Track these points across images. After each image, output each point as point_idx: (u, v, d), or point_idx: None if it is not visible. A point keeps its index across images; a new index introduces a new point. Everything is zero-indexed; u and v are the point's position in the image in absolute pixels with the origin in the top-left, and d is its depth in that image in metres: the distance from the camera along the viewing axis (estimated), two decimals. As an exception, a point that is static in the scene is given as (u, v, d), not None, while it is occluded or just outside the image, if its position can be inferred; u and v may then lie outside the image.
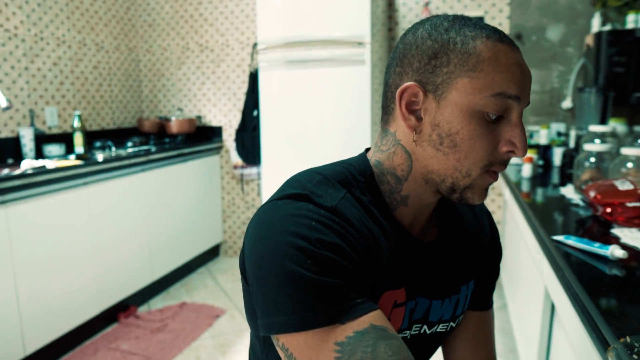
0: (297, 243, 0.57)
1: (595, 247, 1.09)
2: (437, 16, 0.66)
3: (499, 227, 3.04)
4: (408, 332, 0.73)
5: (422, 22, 0.65)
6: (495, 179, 0.65)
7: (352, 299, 0.57)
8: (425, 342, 0.78)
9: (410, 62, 0.63)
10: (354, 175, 0.67)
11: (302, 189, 0.63)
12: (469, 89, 0.60)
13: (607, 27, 2.40)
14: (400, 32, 3.13)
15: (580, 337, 0.85)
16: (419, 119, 0.64)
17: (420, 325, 0.74)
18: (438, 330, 0.77)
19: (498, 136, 0.62)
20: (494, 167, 0.63)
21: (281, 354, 0.59)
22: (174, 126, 3.38)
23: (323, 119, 2.73)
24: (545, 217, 1.62)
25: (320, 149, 2.75)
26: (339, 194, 0.64)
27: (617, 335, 0.73)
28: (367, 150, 0.74)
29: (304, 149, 2.79)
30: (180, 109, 3.63)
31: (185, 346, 2.40)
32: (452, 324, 0.79)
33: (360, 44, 2.61)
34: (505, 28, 2.92)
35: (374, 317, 0.57)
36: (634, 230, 1.28)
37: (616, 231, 1.28)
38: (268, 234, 0.59)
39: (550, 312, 1.48)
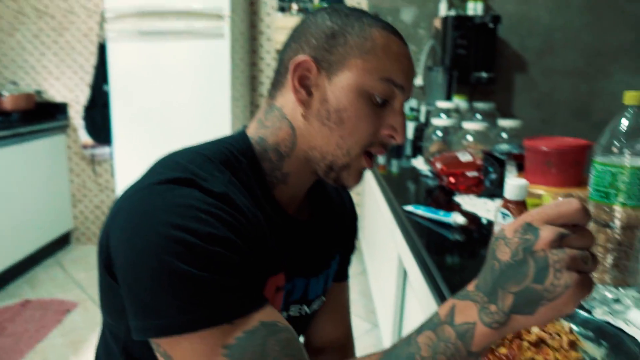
0: (184, 238, 0.51)
1: (440, 216, 1.17)
2: (338, 4, 0.67)
3: (358, 198, 3.19)
4: (285, 313, 0.72)
5: (323, 8, 0.67)
6: (370, 165, 0.66)
7: (241, 297, 0.53)
8: (304, 322, 0.78)
9: (308, 39, 0.64)
10: (235, 156, 0.64)
11: (184, 172, 0.57)
12: (361, 70, 0.62)
13: (452, 12, 2.60)
14: (263, 6, 3.06)
15: (427, 299, 0.91)
16: (310, 94, 0.64)
17: (299, 306, 0.74)
18: (315, 308, 0.79)
19: (381, 120, 0.64)
20: (374, 147, 0.65)
21: None
22: (8, 102, 2.93)
23: (180, 95, 2.58)
24: (398, 188, 1.72)
25: (177, 126, 2.61)
26: (225, 177, 0.59)
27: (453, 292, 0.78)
28: (245, 128, 0.70)
29: (159, 126, 2.62)
30: (14, 82, 3.16)
31: (28, 349, 2.13)
32: (323, 298, 0.80)
33: (219, 16, 2.49)
34: (364, 8, 3.01)
35: (263, 313, 0.54)
36: (472, 197, 1.40)
37: (458, 198, 1.39)
38: (147, 226, 0.52)
39: (403, 276, 1.58)
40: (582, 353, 0.63)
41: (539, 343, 0.63)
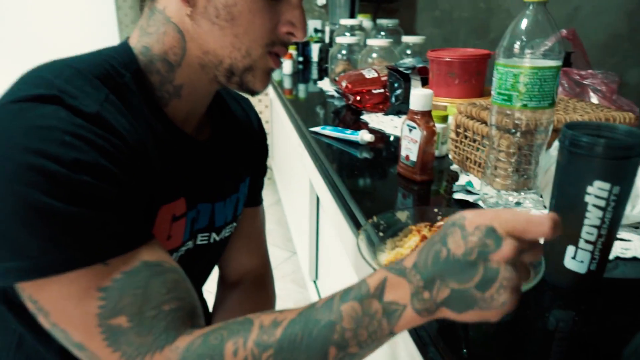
0: (45, 166, 0.43)
1: (348, 134, 1.13)
2: None
3: (267, 126, 3.10)
4: (191, 242, 0.66)
5: None
6: (278, 65, 0.60)
7: (118, 233, 0.47)
8: (214, 250, 0.73)
9: None
10: (117, 70, 0.55)
11: (48, 88, 0.47)
12: None
13: None
14: None
15: (340, 223, 0.88)
16: None
17: (207, 234, 0.68)
18: (226, 235, 0.73)
19: (278, 15, 0.58)
20: (276, 47, 0.59)
21: (30, 307, 0.46)
22: None
23: (57, 7, 2.26)
24: (305, 111, 1.66)
25: (54, 41, 2.30)
26: (100, 94, 0.51)
27: (366, 217, 0.76)
28: (128, 38, 0.60)
29: (35, 41, 2.30)
30: None
31: None
32: (234, 224, 0.75)
33: None
34: None
35: (146, 252, 0.48)
36: (379, 114, 1.38)
37: (365, 117, 1.36)
38: (0, 152, 0.44)
39: (316, 201, 1.56)
40: None
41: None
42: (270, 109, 2.91)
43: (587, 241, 0.53)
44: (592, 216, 0.51)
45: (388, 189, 0.92)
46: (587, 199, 0.51)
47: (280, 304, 1.98)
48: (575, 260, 0.54)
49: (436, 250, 0.39)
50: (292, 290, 2.06)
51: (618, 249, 0.65)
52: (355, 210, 0.81)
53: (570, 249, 0.54)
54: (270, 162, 3.15)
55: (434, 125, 0.85)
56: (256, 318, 0.44)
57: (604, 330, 0.50)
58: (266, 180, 3.14)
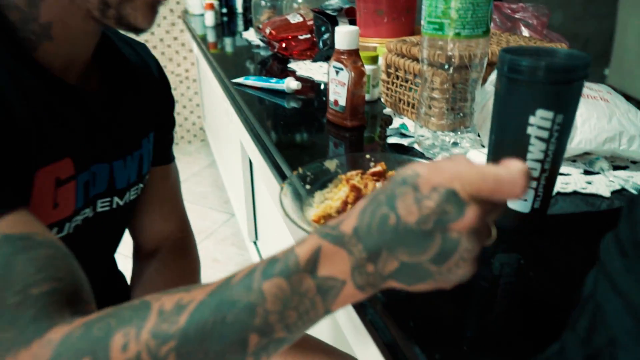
0: None
1: (272, 83, 1.04)
2: None
3: (194, 85, 2.92)
4: (90, 210, 0.56)
5: None
6: None
7: None
8: (120, 217, 0.64)
9: None
10: None
11: None
12: None
13: None
14: None
15: (269, 178, 0.80)
16: None
17: (108, 199, 0.60)
18: (131, 198, 0.64)
19: None
20: None
21: None
22: None
23: None
24: (230, 64, 1.54)
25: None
26: None
27: (292, 169, 0.68)
28: None
29: None
30: None
31: None
32: (141, 185, 0.66)
33: None
34: None
35: (7, 223, 0.39)
36: (307, 62, 1.28)
37: (293, 65, 1.26)
38: None
39: (249, 159, 1.47)
40: None
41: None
42: (197, 66, 2.73)
43: (530, 178, 0.48)
44: (535, 149, 0.46)
45: (318, 139, 0.84)
46: (530, 130, 0.46)
47: (221, 268, 1.92)
48: (519, 199, 0.50)
49: (382, 215, 0.32)
50: (232, 253, 1.99)
51: (558, 184, 0.62)
52: (282, 163, 0.73)
53: (512, 188, 0.50)
54: (202, 123, 3.00)
55: (362, 66, 0.78)
56: (155, 301, 0.35)
57: (552, 273, 0.46)
58: (199, 142, 3.02)
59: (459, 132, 0.72)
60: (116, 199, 0.60)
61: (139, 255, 0.75)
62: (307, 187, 0.61)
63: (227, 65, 1.44)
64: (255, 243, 1.80)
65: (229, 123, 1.48)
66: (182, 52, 2.84)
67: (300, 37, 1.28)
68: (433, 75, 0.69)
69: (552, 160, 0.47)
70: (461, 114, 0.72)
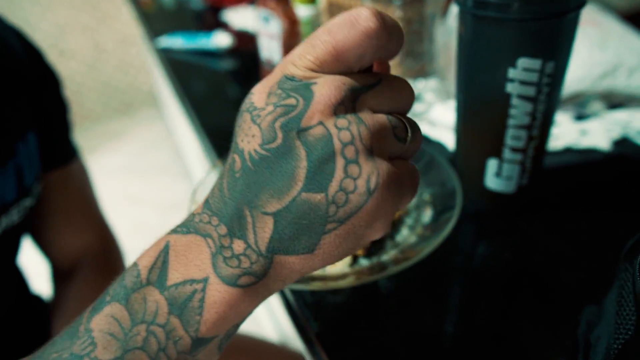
0: None
1: (198, 42, 0.87)
2: None
3: (139, 43, 2.67)
4: None
5: None
6: None
7: None
8: (14, 238, 0.51)
9: None
10: None
11: None
12: None
13: None
14: None
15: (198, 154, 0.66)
16: None
17: None
18: (17, 221, 0.49)
19: None
20: None
21: None
22: None
23: None
24: (160, 22, 1.35)
25: None
26: None
27: (219, 154, 0.55)
28: None
29: None
30: None
31: None
32: (30, 200, 0.51)
33: None
34: None
35: None
36: (245, 8, 1.11)
37: (227, 15, 1.09)
38: None
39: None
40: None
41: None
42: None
43: (514, 149, 0.36)
44: (519, 113, 0.34)
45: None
46: (510, 88, 0.33)
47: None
48: (501, 178, 0.38)
49: (229, 164, 0.22)
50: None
51: (546, 139, 0.50)
52: (206, 149, 0.59)
53: (492, 164, 0.37)
54: (152, 86, 2.78)
55: (293, 12, 0.63)
56: None
57: (546, 266, 0.35)
58: (151, 109, 2.75)
59: (421, 81, 0.59)
60: None
61: (55, 277, 0.62)
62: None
63: (156, 23, 1.25)
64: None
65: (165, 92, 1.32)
66: (120, 6, 2.57)
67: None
68: (386, 11, 0.55)
69: (541, 125, 0.34)
70: (420, 59, 0.58)
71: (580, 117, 0.53)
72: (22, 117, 0.51)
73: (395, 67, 0.59)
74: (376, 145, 0.20)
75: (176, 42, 0.91)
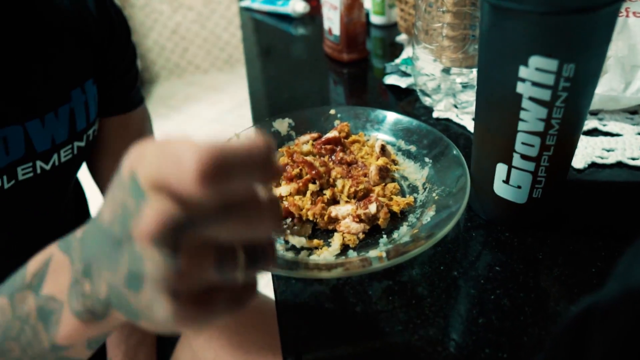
0: None
1: (278, 6, 0.88)
2: None
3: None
4: (5, 178, 0.49)
5: None
6: None
7: None
8: (49, 182, 0.55)
9: None
10: None
11: None
12: None
13: None
14: None
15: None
16: None
17: (30, 164, 0.51)
18: (64, 159, 0.54)
19: None
20: None
21: None
22: None
23: None
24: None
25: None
26: None
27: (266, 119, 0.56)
28: None
29: None
30: None
31: None
32: (78, 143, 0.55)
33: None
34: None
35: None
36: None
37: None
38: None
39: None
40: (399, 179, 0.44)
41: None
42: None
43: (524, 157, 0.32)
44: (531, 117, 0.30)
45: (312, 77, 0.69)
46: (520, 88, 0.29)
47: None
48: (509, 185, 0.34)
49: (99, 214, 0.22)
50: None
51: (597, 150, 0.44)
52: (252, 114, 0.60)
53: (500, 169, 0.34)
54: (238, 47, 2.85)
55: (357, -17, 0.61)
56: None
57: (545, 293, 0.32)
58: (233, 72, 2.79)
59: (472, 70, 0.55)
60: (40, 163, 0.51)
61: None
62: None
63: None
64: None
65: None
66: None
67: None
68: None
69: (559, 133, 0.31)
70: (471, 45, 0.54)
71: (650, 130, 0.46)
72: (82, 67, 0.54)
73: (454, 49, 0.55)
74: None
75: (257, 5, 0.92)
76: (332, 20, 0.64)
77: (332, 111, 0.50)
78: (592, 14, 0.26)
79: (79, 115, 0.54)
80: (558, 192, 0.35)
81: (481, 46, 0.32)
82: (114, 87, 0.60)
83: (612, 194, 0.40)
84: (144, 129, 0.67)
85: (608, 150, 0.44)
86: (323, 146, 0.44)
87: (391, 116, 0.48)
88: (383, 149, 0.44)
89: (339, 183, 0.41)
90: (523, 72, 0.29)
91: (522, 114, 0.30)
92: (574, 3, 0.26)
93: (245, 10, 0.96)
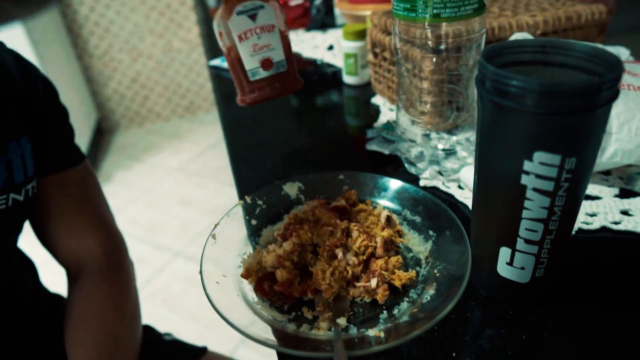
0: None
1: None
2: None
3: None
4: None
5: None
6: None
7: None
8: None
9: None
10: None
11: None
12: None
13: None
14: None
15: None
16: None
17: None
18: (2, 208, 0.53)
19: None
20: None
21: None
22: None
23: None
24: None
25: None
26: None
27: (242, 194, 0.55)
28: None
29: None
30: None
31: None
32: (14, 196, 0.54)
33: None
34: None
35: None
36: (299, 31, 1.12)
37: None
38: None
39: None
40: (403, 250, 0.44)
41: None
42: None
43: (528, 241, 0.33)
44: (534, 206, 0.31)
45: (304, 141, 0.70)
46: (525, 180, 0.30)
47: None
48: (513, 267, 0.35)
49: None
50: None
51: (581, 215, 0.46)
52: (235, 182, 0.60)
53: (504, 252, 0.35)
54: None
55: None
56: None
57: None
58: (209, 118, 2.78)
59: (457, 134, 0.57)
60: None
61: (68, 279, 0.65)
62: (254, 221, 0.49)
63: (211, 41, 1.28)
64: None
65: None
66: (191, 16, 2.68)
67: (291, 4, 1.11)
68: (422, 59, 0.53)
69: (560, 219, 0.32)
70: (461, 111, 0.56)
71: (625, 194, 0.48)
72: (13, 123, 0.55)
73: (432, 115, 0.57)
74: None
75: (225, 63, 0.93)
76: (270, 49, 0.60)
77: (341, 176, 0.51)
78: (593, 112, 0.28)
79: (16, 168, 0.56)
80: (556, 271, 0.36)
81: (482, 137, 0.33)
82: (48, 144, 0.60)
83: (601, 259, 0.41)
84: (86, 189, 0.65)
85: (591, 215, 0.46)
86: (332, 214, 0.45)
87: (398, 185, 0.49)
88: (389, 220, 0.45)
89: (355, 234, 0.42)
90: (527, 165, 0.30)
91: (527, 203, 0.31)
92: (573, 105, 0.27)
93: (214, 69, 0.96)
